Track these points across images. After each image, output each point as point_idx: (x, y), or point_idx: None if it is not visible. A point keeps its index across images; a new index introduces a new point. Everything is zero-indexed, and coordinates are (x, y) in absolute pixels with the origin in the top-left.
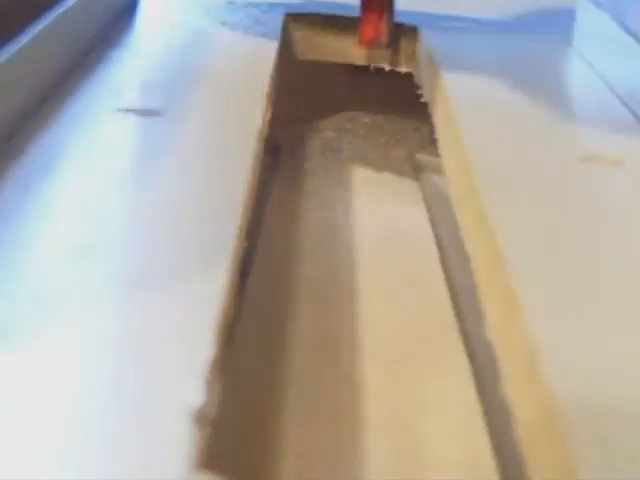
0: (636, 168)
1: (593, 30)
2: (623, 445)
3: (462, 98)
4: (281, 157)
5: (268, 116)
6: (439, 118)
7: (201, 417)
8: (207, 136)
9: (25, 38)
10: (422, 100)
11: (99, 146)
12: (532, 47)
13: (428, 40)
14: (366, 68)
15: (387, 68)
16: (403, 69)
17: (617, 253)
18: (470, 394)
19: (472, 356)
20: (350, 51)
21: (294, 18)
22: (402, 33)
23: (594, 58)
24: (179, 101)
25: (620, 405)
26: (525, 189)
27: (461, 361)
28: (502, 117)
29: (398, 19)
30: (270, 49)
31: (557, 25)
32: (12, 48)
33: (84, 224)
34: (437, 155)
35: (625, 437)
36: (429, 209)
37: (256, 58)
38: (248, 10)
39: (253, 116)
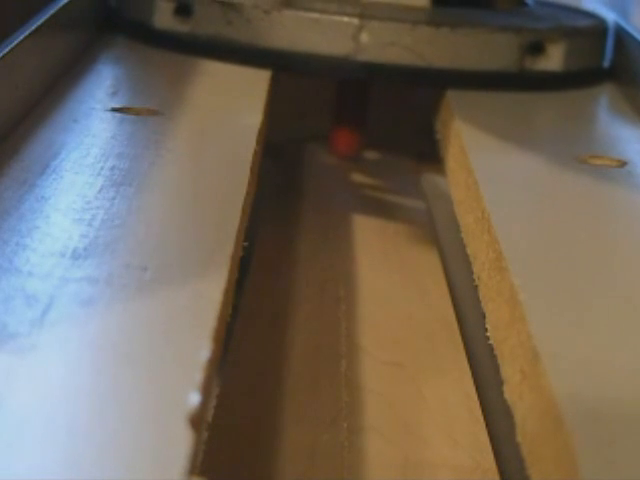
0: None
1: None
2: (624, 446)
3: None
4: (280, 158)
5: (267, 116)
6: (440, 119)
7: (198, 418)
8: (206, 136)
9: (20, 37)
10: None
11: (95, 146)
12: None
13: None
14: None
15: None
16: None
17: (619, 254)
18: (471, 395)
19: (473, 357)
20: None
21: None
22: None
23: None
24: (178, 101)
25: (621, 406)
26: (526, 189)
27: (462, 362)
28: (504, 119)
29: None
30: None
31: None
32: (7, 47)
33: (81, 224)
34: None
35: (626, 437)
36: (430, 208)
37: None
38: None
39: (253, 116)
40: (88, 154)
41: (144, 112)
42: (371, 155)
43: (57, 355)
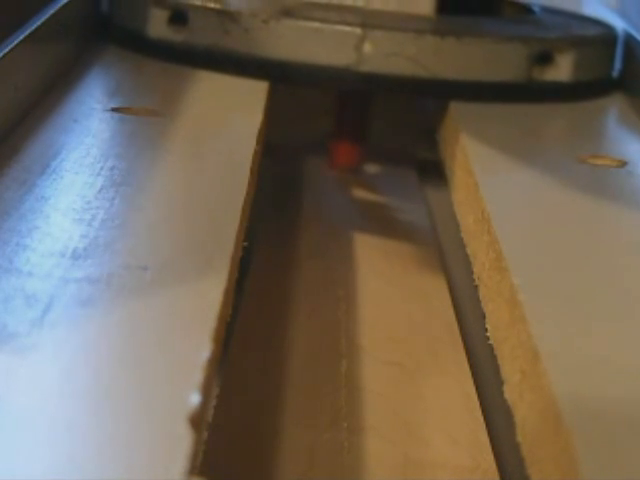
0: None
1: None
2: (624, 446)
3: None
4: (279, 157)
5: (267, 116)
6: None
7: (198, 418)
8: (205, 136)
9: (20, 37)
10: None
11: (95, 146)
12: None
13: None
14: None
15: None
16: None
17: (619, 254)
18: (471, 395)
19: (473, 357)
20: None
21: None
22: None
23: None
24: (177, 101)
25: (621, 406)
26: (526, 189)
27: (462, 362)
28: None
29: None
30: None
31: None
32: (7, 47)
33: (81, 224)
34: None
35: (626, 437)
36: (430, 209)
37: None
38: None
39: (253, 116)
40: (88, 154)
41: (144, 112)
42: (371, 167)
43: (57, 355)
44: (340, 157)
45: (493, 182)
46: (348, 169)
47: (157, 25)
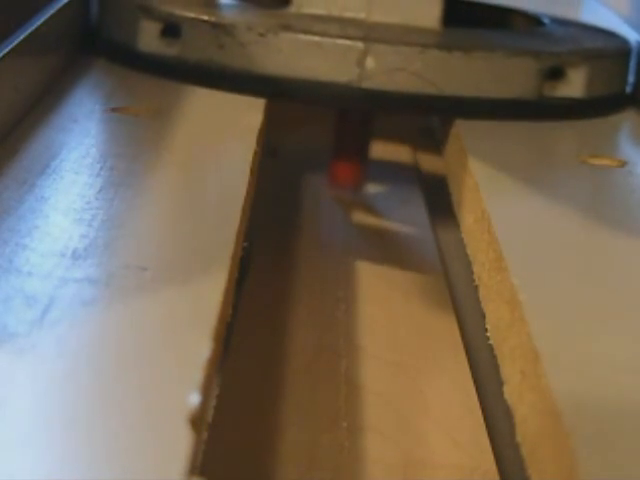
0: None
1: None
2: (624, 446)
3: None
4: (279, 158)
5: (267, 117)
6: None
7: (198, 418)
8: (205, 136)
9: (19, 38)
10: None
11: (95, 146)
12: None
13: None
14: None
15: None
16: None
17: (618, 254)
18: (471, 395)
19: (473, 357)
20: None
21: None
22: None
23: None
24: (175, 104)
25: (621, 406)
26: (526, 189)
27: (462, 362)
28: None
29: None
30: None
31: None
32: (6, 48)
33: (81, 224)
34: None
35: (626, 438)
36: (430, 210)
37: None
38: None
39: (253, 116)
40: (87, 154)
41: (143, 112)
42: (373, 187)
43: (57, 355)
44: (340, 176)
45: (492, 182)
46: (348, 189)
47: (148, 38)
